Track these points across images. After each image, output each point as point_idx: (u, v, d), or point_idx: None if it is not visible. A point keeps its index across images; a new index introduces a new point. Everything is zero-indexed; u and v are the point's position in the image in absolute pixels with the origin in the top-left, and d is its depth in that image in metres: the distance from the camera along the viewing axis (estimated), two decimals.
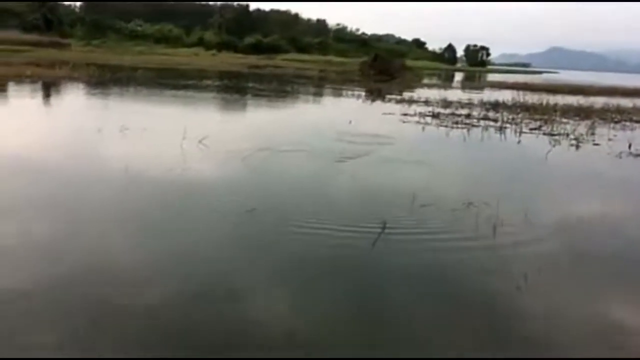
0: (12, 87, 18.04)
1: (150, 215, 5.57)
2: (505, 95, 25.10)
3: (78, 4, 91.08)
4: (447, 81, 48.30)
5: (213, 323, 3.52)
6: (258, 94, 22.08)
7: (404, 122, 14.58)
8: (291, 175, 7.80)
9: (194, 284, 4.04)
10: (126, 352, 3.13)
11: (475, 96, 25.83)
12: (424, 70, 60.81)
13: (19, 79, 20.11)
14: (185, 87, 22.74)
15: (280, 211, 5.90)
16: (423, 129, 13.56)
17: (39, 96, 17.14)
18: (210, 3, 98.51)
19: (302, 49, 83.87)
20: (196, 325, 3.46)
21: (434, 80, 45.07)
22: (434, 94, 25.55)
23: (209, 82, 27.18)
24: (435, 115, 16.10)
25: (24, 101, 15.45)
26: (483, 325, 3.78)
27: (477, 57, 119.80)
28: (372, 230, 5.34)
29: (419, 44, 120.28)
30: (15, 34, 53.53)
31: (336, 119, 14.14)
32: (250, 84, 27.65)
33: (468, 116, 16.33)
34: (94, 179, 6.75)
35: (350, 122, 13.35)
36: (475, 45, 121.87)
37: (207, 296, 3.88)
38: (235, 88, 25.00)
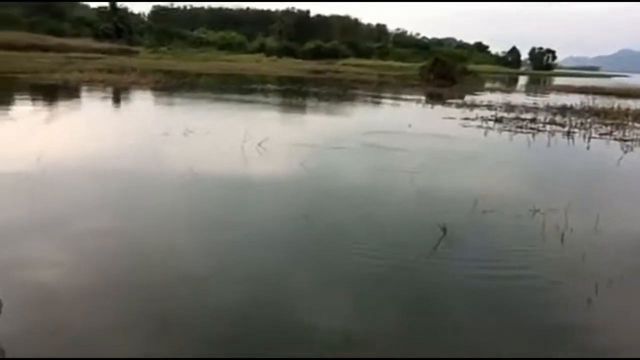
0: (85, 92, 18.96)
1: (208, 217, 5.67)
2: (573, 99, 24.11)
3: (147, 12, 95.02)
4: (510, 85, 46.95)
5: (266, 324, 3.53)
6: (317, 99, 22.22)
7: (465, 126, 14.25)
8: (349, 179, 7.76)
9: (249, 285, 4.07)
10: (188, 346, 3.19)
11: (541, 100, 24.96)
12: (486, 74, 59.38)
13: (92, 85, 21.11)
14: (247, 92, 23.20)
15: (337, 215, 5.88)
16: (485, 133, 13.20)
17: (109, 101, 17.93)
18: (272, 10, 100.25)
19: (362, 54, 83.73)
20: (249, 324, 3.49)
21: (497, 84, 43.91)
22: (496, 98, 24.88)
23: (269, 87, 27.61)
24: (498, 120, 15.65)
25: (96, 106, 16.22)
26: (548, 339, 3.61)
27: (542, 60, 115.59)
28: (431, 235, 5.23)
29: (481, 47, 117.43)
30: (88, 42, 56.33)
31: (395, 123, 13.99)
32: (310, 89, 27.86)
33: (533, 120, 15.78)
34: (159, 180, 6.97)
35: (409, 125, 13.18)
36: (540, 48, 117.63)
37: (258, 298, 3.90)
38: (295, 93, 25.25)
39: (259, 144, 9.22)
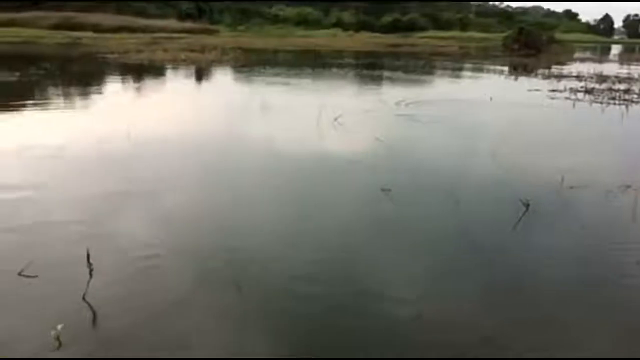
0: (169, 71, 19.70)
1: (286, 190, 5.73)
2: None
3: None
4: (602, 55, 43.87)
5: (345, 294, 3.54)
6: (395, 72, 21.82)
7: (551, 98, 13.51)
8: (428, 153, 7.59)
9: (326, 259, 4.09)
10: (257, 321, 3.27)
11: (636, 70, 23.14)
12: (575, 44, 55.79)
13: (175, 63, 21.90)
14: (323, 67, 23.17)
15: (416, 189, 5.77)
16: (574, 105, 12.45)
17: (192, 78, 18.53)
18: None
19: (442, 26, 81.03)
20: (327, 298, 3.51)
21: (587, 54, 41.18)
22: (586, 68, 23.34)
23: (345, 61, 27.41)
24: (588, 91, 14.71)
25: (179, 83, 16.82)
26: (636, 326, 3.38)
27: (638, 28, 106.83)
28: (514, 211, 5.02)
29: (570, 15, 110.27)
30: (172, 23, 58.25)
31: (476, 95, 13.49)
32: (387, 63, 27.39)
33: (627, 91, 14.70)
34: (239, 154, 7.13)
35: (491, 98, 12.67)
36: (636, 15, 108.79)
37: (338, 274, 3.91)
38: (371, 67, 24.94)
39: (336, 119, 9.20)
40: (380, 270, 3.94)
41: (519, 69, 23.92)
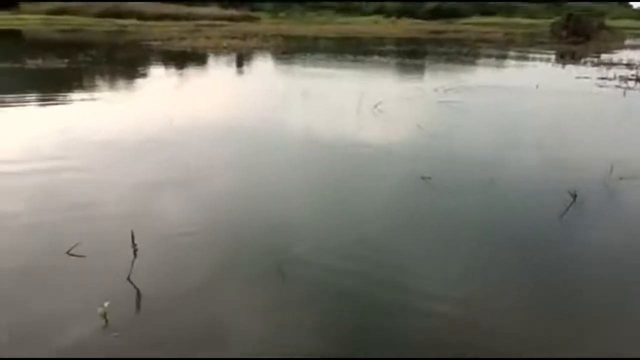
0: (211, 58, 19.91)
1: (325, 176, 5.72)
2: None
3: None
4: None
5: (380, 287, 3.52)
6: (437, 59, 21.45)
7: (601, 86, 13.04)
8: (470, 140, 7.44)
9: (362, 249, 4.07)
10: (298, 302, 3.29)
11: None
12: (626, 31, 53.51)
13: (217, 50, 22.11)
14: (364, 54, 22.98)
15: (457, 178, 5.67)
16: (624, 93, 11.98)
17: (233, 65, 18.68)
18: None
19: (486, 11, 79.05)
20: (365, 284, 3.50)
21: (638, 42, 39.45)
22: (638, 56, 22.38)
23: (386, 48, 27.10)
24: (639, 79, 14.11)
25: (221, 70, 16.99)
26: None
27: None
28: (560, 202, 4.88)
29: (621, 1, 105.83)
30: (214, 10, 58.80)
31: (521, 82, 13.13)
32: (429, 49, 26.95)
33: None
34: (278, 139, 7.16)
35: (536, 86, 12.32)
36: None
37: (376, 259, 3.89)
38: (413, 54, 24.58)
39: (376, 106, 9.12)
40: (418, 259, 3.90)
41: (566, 57, 23.15)
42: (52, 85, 11.86)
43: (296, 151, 6.62)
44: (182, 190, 5.10)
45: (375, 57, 21.73)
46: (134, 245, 3.70)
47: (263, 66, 18.75)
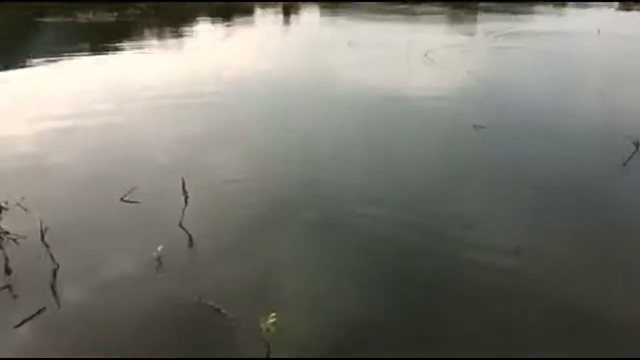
0: (258, 9, 19.70)
1: (376, 124, 5.61)
2: None
3: None
4: None
5: (429, 237, 3.46)
6: (490, 6, 20.46)
7: None
8: (525, 88, 7.11)
9: (413, 198, 3.99)
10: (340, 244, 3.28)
11: None
12: None
13: (264, 2, 21.81)
14: (411, 2, 22.17)
15: (512, 126, 5.45)
16: None
17: (280, 15, 18.42)
18: None
19: None
20: (418, 238, 3.45)
21: None
22: None
23: None
24: None
25: (268, 20, 16.79)
26: None
27: None
28: (622, 150, 4.64)
29: None
30: None
31: (580, 28, 12.42)
32: None
33: None
34: (327, 88, 7.05)
35: (598, 31, 11.62)
36: None
37: (417, 211, 3.82)
38: (460, 3, 23.51)
39: (426, 54, 8.83)
40: (471, 209, 3.79)
41: (631, 1, 21.65)
42: (103, 37, 12.04)
43: (345, 100, 6.50)
44: (230, 141, 5.12)
45: (426, 5, 20.93)
46: (184, 192, 3.76)
47: (310, 17, 18.41)
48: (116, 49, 10.25)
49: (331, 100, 6.49)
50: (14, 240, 3.30)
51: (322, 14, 18.67)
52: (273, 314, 2.16)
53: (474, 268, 3.04)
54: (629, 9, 19.17)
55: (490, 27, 13.64)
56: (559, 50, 9.55)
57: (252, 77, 7.77)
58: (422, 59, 8.63)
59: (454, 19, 16.72)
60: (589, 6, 20.82)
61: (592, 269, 3.07)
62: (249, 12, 19.21)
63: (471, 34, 12.05)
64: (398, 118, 5.82)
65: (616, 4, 21.37)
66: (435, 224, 3.53)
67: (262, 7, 20.18)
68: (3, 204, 3.63)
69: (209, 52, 10.24)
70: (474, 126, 5.32)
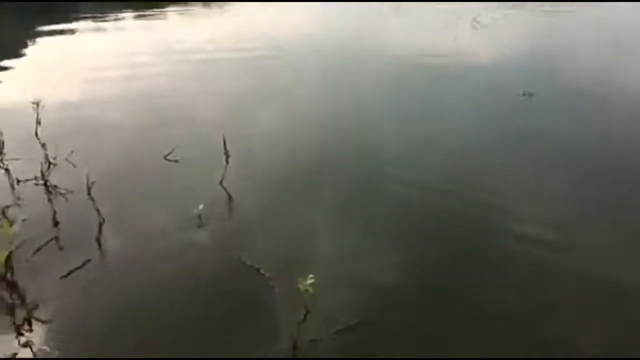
0: None
1: (423, 90, 5.49)
2: None
3: None
4: None
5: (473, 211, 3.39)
6: None
7: None
8: (580, 56, 6.80)
9: (455, 168, 3.89)
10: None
11: None
12: None
13: None
14: None
15: (563, 95, 5.25)
16: None
17: None
18: None
19: None
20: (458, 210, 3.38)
21: None
22: None
23: None
24: None
25: None
26: None
27: None
28: None
29: None
30: None
31: None
32: None
33: None
34: (372, 53, 6.90)
35: None
36: None
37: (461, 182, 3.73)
38: None
39: (474, 19, 8.52)
40: (514, 180, 3.69)
41: None
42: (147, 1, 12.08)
43: (390, 66, 6.35)
44: (273, 101, 5.11)
45: None
46: (226, 152, 3.77)
47: None
48: (161, 12, 10.26)
49: (375, 65, 6.36)
50: (62, 194, 3.41)
51: None
52: (311, 276, 2.16)
53: (514, 240, 2.97)
54: None
55: None
56: (621, 17, 9.03)
57: (298, 39, 7.68)
58: (470, 25, 8.33)
59: None
60: None
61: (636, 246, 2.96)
62: None
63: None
64: (446, 85, 5.66)
65: None
66: (477, 193, 3.45)
67: None
68: (52, 160, 3.75)
69: (254, 15, 10.16)
70: (523, 93, 5.14)
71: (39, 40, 7.75)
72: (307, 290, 2.15)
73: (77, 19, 9.02)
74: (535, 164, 3.88)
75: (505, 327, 2.33)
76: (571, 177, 3.69)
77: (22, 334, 2.29)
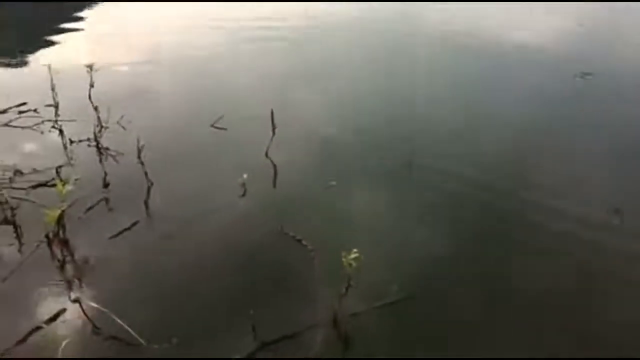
0: None
1: (478, 73, 5.30)
2: None
3: None
4: None
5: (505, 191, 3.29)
6: None
7: None
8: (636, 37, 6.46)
9: (506, 157, 3.74)
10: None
11: None
12: None
13: None
14: None
15: (621, 77, 5.02)
16: None
17: None
18: None
19: None
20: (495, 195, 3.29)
21: None
22: None
23: None
24: None
25: None
26: None
27: None
28: None
29: None
30: None
31: None
32: None
33: None
34: (417, 36, 6.67)
35: None
36: None
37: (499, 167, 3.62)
38: None
39: None
40: (570, 162, 3.57)
41: None
42: None
43: (449, 49, 6.06)
44: (318, 80, 5.03)
45: None
46: (273, 124, 3.76)
47: None
48: None
49: (422, 45, 6.12)
50: (113, 156, 3.49)
51: None
52: (355, 250, 2.14)
53: (570, 224, 2.90)
54: None
55: None
56: None
57: (340, 17, 7.44)
58: (529, 8, 7.93)
59: None
60: None
61: None
62: None
63: None
64: (505, 67, 5.48)
65: None
66: (531, 177, 3.37)
67: None
68: (104, 123, 3.83)
69: None
70: (582, 73, 4.92)
71: (100, 4, 7.85)
72: (350, 265, 2.14)
73: None
74: (593, 146, 3.75)
75: (555, 312, 2.29)
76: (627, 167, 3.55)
77: (72, 290, 2.38)
